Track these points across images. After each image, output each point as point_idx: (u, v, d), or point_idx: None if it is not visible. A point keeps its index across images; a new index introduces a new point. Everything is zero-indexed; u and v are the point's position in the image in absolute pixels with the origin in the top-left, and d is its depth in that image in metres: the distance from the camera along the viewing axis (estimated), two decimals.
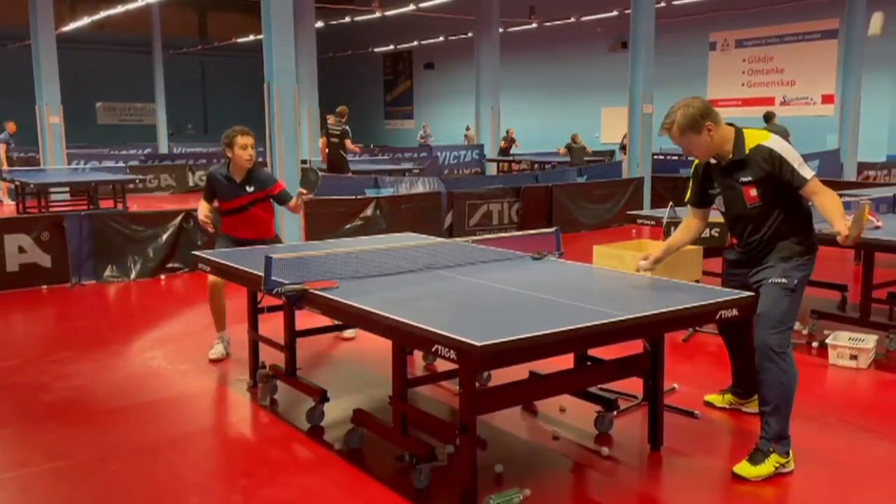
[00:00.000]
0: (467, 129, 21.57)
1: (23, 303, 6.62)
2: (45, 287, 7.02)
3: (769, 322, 3.18)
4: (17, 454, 3.56)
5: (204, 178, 6.23)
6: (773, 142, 3.21)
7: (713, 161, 3.36)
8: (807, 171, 3.17)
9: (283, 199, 4.90)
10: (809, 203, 3.30)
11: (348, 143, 11.83)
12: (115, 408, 4.12)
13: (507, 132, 18.81)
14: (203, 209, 4.86)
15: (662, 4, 15.02)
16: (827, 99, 17.99)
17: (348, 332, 5.12)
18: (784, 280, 3.21)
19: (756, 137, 3.25)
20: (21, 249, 6.91)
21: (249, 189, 4.79)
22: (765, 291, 3.23)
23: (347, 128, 11.87)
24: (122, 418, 3.98)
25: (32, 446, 3.64)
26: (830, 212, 3.13)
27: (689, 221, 3.60)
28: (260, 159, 5.49)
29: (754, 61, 19.47)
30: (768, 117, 12.08)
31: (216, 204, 4.88)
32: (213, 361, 4.81)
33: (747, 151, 3.22)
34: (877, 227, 4.90)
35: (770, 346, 3.18)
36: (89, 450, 3.57)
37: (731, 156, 3.28)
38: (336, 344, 5.15)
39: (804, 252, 3.26)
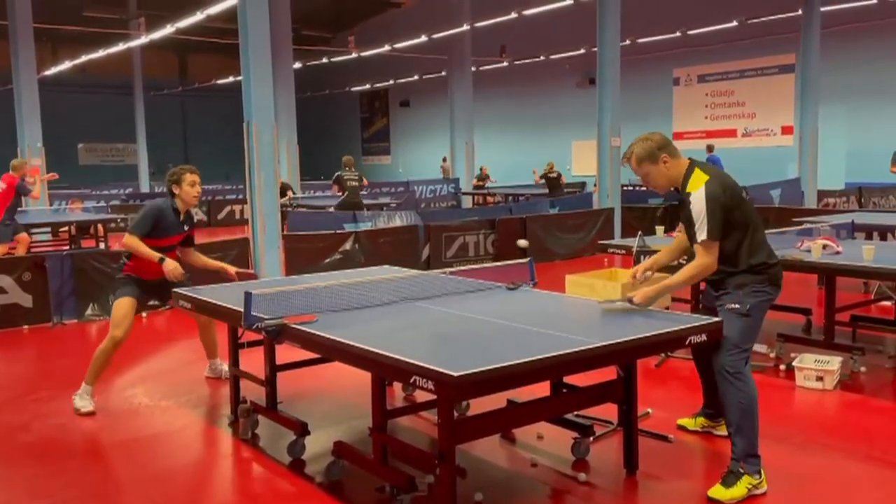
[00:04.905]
0: (444, 160, 21.91)
1: (3, 343, 6.58)
2: (26, 327, 6.99)
3: (723, 345, 3.33)
4: None
5: None
6: (696, 194, 3.34)
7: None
8: (701, 233, 3.32)
9: (190, 241, 4.92)
10: (760, 234, 3.44)
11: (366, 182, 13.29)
12: (96, 446, 4.12)
13: (481, 169, 19.12)
14: (151, 253, 4.53)
15: (627, 42, 15.53)
16: (786, 130, 18.61)
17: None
18: (737, 305, 3.36)
19: (694, 183, 3.38)
20: (2, 290, 6.89)
21: (186, 228, 4.81)
22: (722, 316, 3.39)
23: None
24: (103, 456, 3.98)
25: (12, 485, 3.63)
26: (676, 275, 3.44)
27: (678, 238, 3.81)
28: (240, 196, 5.61)
29: (716, 95, 20.12)
30: (709, 149, 15.21)
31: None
32: (90, 414, 4.53)
33: (685, 192, 3.41)
34: (837, 253, 5.09)
35: (724, 368, 3.32)
36: (69, 488, 3.56)
37: (681, 191, 3.47)
38: (316, 377, 5.18)
39: (760, 280, 3.38)
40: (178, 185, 4.68)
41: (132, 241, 4.57)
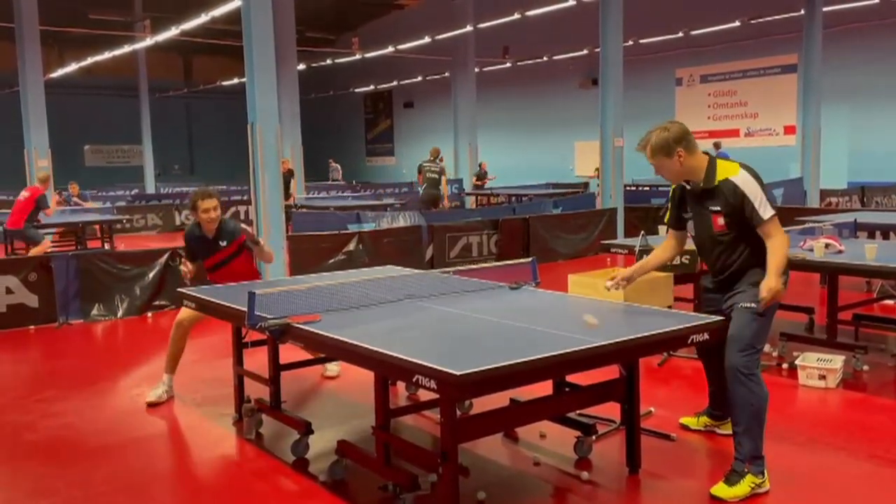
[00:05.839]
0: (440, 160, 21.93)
1: (10, 343, 6.62)
2: (32, 327, 7.04)
3: (738, 345, 3.30)
4: (1, 494, 3.57)
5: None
6: (740, 177, 3.32)
7: (688, 186, 3.50)
8: (766, 211, 3.28)
9: (244, 249, 5.02)
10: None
11: (444, 179, 12.68)
12: (101, 445, 4.14)
13: (480, 166, 19.16)
14: (188, 265, 4.97)
15: (630, 43, 15.51)
16: (789, 130, 18.59)
17: (331, 369, 5.14)
18: (753, 304, 3.32)
19: (726, 170, 3.37)
20: (8, 290, 6.95)
21: (223, 244, 4.90)
22: (735, 315, 3.36)
23: (444, 165, 12.64)
24: (108, 455, 4.00)
25: (16, 485, 3.65)
26: (773, 260, 3.29)
27: (666, 242, 3.74)
28: (245, 197, 5.63)
29: (719, 95, 20.12)
30: (716, 146, 15.33)
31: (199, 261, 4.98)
32: (152, 405, 4.72)
33: (717, 182, 3.36)
34: (839, 252, 5.10)
35: (738, 368, 3.29)
36: (74, 488, 3.58)
37: (702, 184, 3.41)
38: (320, 376, 5.21)
39: None
40: (194, 211, 4.87)
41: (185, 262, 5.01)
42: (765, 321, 3.34)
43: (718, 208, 3.36)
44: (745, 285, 3.38)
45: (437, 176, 12.25)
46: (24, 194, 10.13)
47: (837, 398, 4.58)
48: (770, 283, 3.26)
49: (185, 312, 4.75)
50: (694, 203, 3.49)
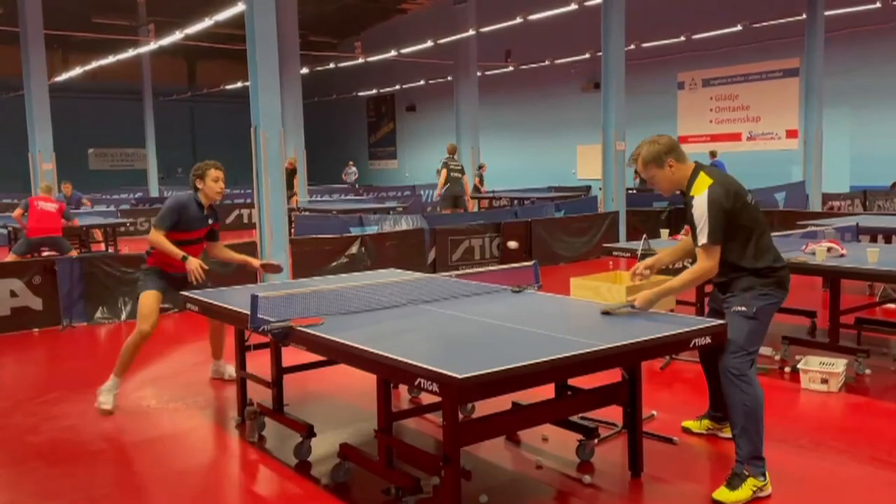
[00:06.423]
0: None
1: (14, 346, 6.64)
2: (36, 330, 7.06)
3: (729, 347, 3.35)
4: (4, 496, 3.58)
5: None
6: (701, 198, 3.36)
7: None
8: (702, 237, 3.34)
9: (215, 236, 4.96)
10: (767, 238, 3.46)
11: (465, 178, 12.30)
12: (105, 447, 4.16)
13: (480, 167, 19.20)
14: (175, 250, 4.58)
15: (632, 47, 15.58)
16: (791, 133, 18.58)
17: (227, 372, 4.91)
18: (743, 308, 3.38)
19: (698, 187, 3.40)
20: (13, 293, 6.97)
21: (210, 221, 4.86)
22: (728, 319, 3.40)
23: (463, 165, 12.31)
24: (112, 458, 4.02)
25: (20, 487, 3.67)
26: (673, 280, 3.45)
27: (685, 239, 3.85)
28: (248, 200, 5.65)
29: (721, 99, 20.12)
30: (713, 154, 15.67)
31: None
32: (108, 413, 4.59)
33: (689, 196, 3.43)
34: (841, 256, 5.10)
35: (729, 370, 3.34)
36: (78, 490, 3.60)
37: (685, 195, 3.49)
38: (322, 379, 5.21)
39: (766, 283, 3.40)
40: (202, 179, 4.75)
41: (156, 237, 4.64)
42: (757, 324, 3.37)
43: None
44: (737, 290, 3.42)
45: (459, 174, 12.01)
46: (49, 206, 9.57)
47: (840, 402, 4.58)
48: (646, 295, 3.46)
49: (146, 323, 4.61)
50: (685, 210, 3.56)
